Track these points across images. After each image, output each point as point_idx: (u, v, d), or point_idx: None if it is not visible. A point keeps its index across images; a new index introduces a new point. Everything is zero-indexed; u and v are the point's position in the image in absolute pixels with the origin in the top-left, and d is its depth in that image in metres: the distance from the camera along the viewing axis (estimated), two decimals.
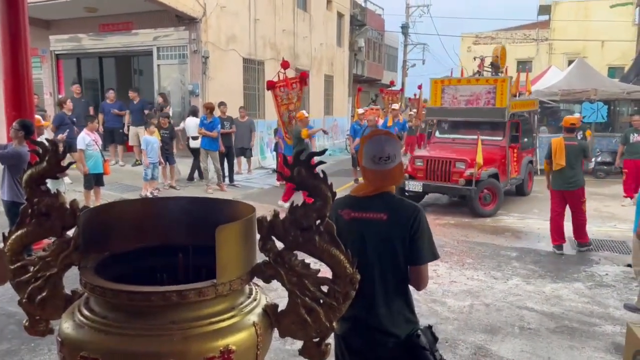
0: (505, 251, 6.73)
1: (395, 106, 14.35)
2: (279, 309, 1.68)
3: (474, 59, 11.38)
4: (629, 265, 5.98)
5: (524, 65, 32.36)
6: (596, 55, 29.61)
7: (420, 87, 21.25)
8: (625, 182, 9.70)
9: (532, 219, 8.63)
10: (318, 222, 1.64)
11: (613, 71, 28.42)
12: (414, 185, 9.03)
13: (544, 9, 35.15)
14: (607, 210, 8.96)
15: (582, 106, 13.47)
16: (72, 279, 1.72)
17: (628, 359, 2.59)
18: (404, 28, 33.99)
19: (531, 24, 36.37)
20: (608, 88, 14.20)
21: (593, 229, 7.23)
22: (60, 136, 8.85)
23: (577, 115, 9.35)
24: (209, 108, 10.75)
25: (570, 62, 25.07)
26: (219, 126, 10.79)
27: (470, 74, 10.73)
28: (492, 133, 9.50)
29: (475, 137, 8.91)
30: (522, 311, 4.69)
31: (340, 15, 22.54)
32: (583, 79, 14.34)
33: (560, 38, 32.64)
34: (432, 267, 6.02)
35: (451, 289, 5.25)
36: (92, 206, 6.57)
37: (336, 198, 1.98)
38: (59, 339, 1.51)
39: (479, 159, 8.35)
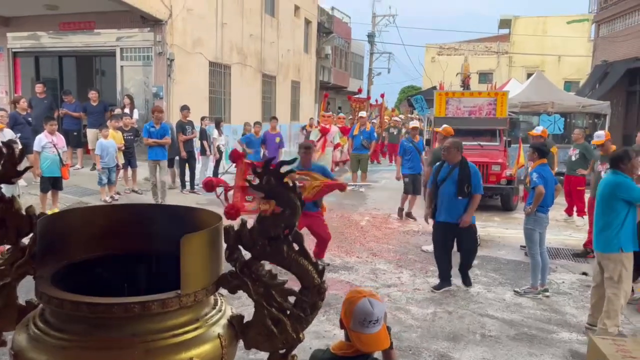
0: None
1: (363, 114, 14.42)
2: (245, 320, 1.65)
3: (457, 75, 13.00)
4: (584, 274, 6.21)
5: (485, 76, 33.29)
6: (553, 69, 30.80)
7: (382, 95, 21.56)
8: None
9: (492, 227, 8.82)
10: (286, 231, 1.62)
11: (569, 85, 29.58)
12: None
13: (505, 23, 36.33)
14: (562, 219, 9.25)
15: (540, 118, 13.92)
16: (26, 288, 1.64)
17: None
18: (370, 37, 34.42)
19: (492, 37, 37.51)
20: (564, 101, 14.72)
21: (549, 237, 7.42)
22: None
23: (541, 128, 9.72)
24: (159, 112, 9.63)
25: (529, 75, 25.87)
26: (169, 132, 9.82)
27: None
28: (491, 139, 10.79)
29: (475, 142, 10.26)
30: (484, 319, 4.78)
31: (307, 22, 22.64)
32: (541, 92, 14.82)
33: (519, 52, 33.75)
34: (395, 275, 6.07)
35: (415, 297, 5.30)
36: (48, 210, 6.35)
37: (318, 350, 2.14)
38: (12, 352, 1.44)
39: (523, 160, 9.33)
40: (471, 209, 5.47)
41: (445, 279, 5.62)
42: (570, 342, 4.35)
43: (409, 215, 9.32)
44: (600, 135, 7.22)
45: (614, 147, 7.18)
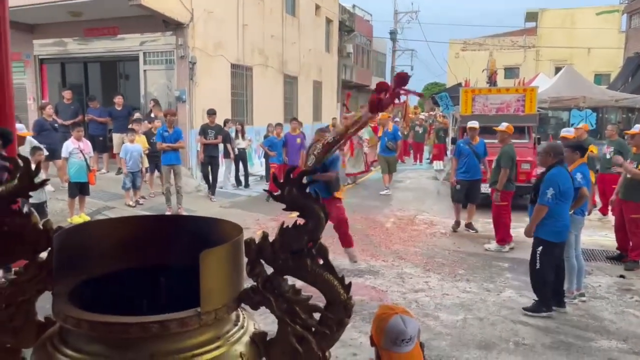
0: (497, 261, 6.67)
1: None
2: (268, 337, 1.58)
3: (482, 71, 12.88)
4: (622, 276, 5.96)
5: (511, 71, 32.68)
6: (582, 62, 30.01)
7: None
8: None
9: (523, 228, 8.56)
10: (310, 244, 1.54)
11: (599, 78, 28.78)
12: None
13: (531, 16, 35.62)
14: (597, 219, 8.94)
15: (571, 113, 13.55)
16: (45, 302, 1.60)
17: None
18: (392, 34, 34.21)
19: (518, 31, 36.82)
20: (596, 95, 14.30)
21: (584, 239, 7.17)
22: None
23: (572, 130, 9.18)
24: (171, 115, 9.45)
25: (557, 69, 25.27)
26: (182, 136, 9.63)
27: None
28: (520, 137, 10.35)
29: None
30: (517, 325, 4.61)
31: (328, 21, 22.54)
32: (571, 86, 14.42)
33: (546, 45, 33.03)
34: (423, 279, 5.93)
35: (443, 302, 5.15)
36: (75, 216, 6.35)
37: None
38: None
39: None
40: (532, 220, 5.09)
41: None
42: (609, 351, 4.15)
43: (469, 226, 8.45)
44: (637, 127, 6.93)
45: None
